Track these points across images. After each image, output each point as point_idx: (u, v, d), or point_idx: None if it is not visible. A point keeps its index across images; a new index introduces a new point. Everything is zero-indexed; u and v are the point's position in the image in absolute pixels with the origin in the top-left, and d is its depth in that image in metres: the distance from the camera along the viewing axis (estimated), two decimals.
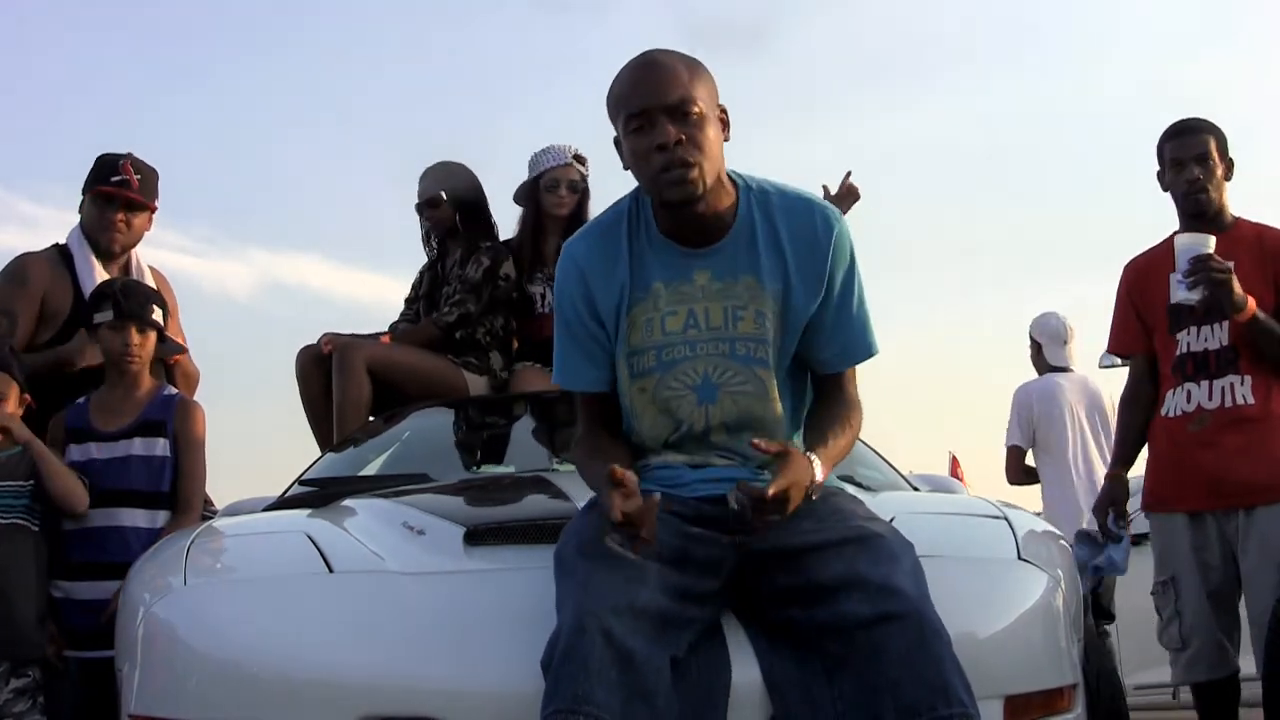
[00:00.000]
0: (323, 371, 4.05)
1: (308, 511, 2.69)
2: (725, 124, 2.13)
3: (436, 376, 4.08)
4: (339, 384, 3.95)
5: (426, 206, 4.39)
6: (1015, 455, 5.43)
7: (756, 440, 1.96)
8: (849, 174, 4.11)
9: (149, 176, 3.73)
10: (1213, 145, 3.27)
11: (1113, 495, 3.45)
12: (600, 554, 1.91)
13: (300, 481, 3.43)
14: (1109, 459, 5.31)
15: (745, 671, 1.91)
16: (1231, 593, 3.23)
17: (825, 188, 4.02)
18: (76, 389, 3.43)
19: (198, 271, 12.72)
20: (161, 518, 3.24)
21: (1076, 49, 13.85)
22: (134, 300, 3.32)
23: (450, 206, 4.33)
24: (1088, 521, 5.15)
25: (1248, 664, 3.18)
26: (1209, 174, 3.26)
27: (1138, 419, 3.41)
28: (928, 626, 1.84)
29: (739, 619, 2.01)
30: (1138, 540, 3.67)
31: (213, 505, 3.55)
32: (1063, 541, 2.58)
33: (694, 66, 2.10)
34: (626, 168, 2.15)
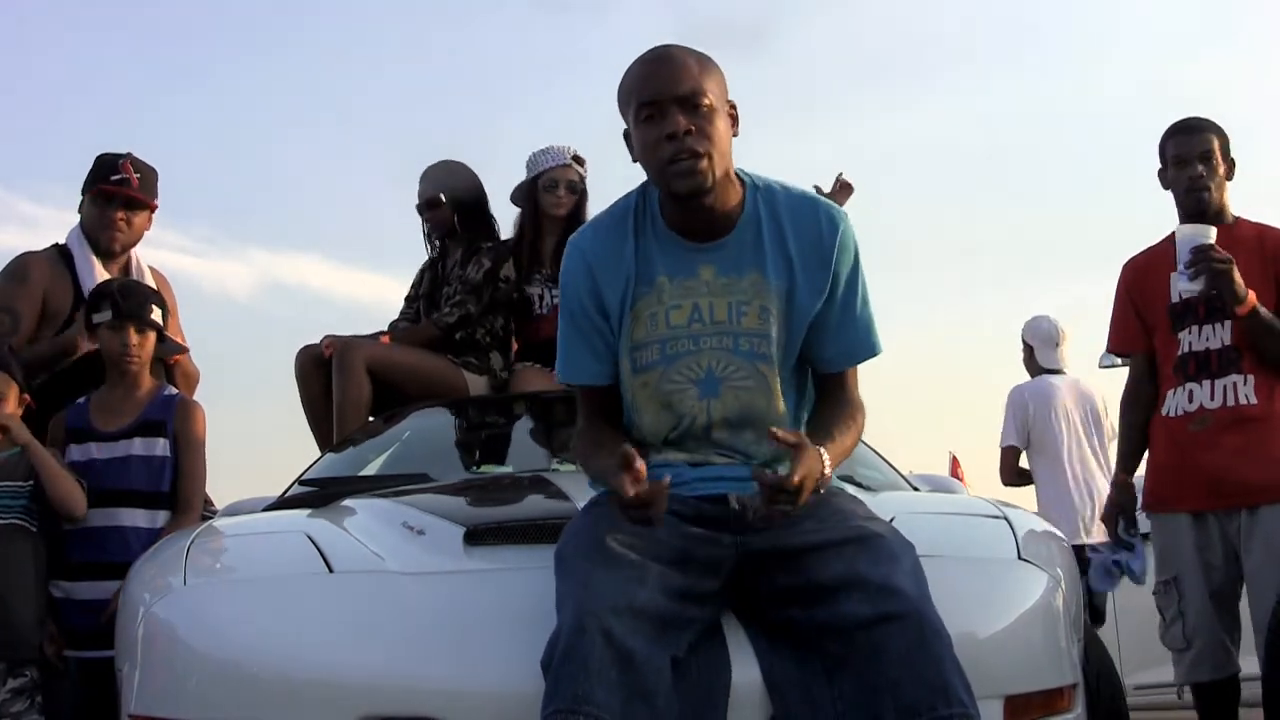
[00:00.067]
0: (323, 371, 4.05)
1: (308, 511, 2.69)
2: (734, 119, 2.15)
3: (436, 377, 4.08)
4: (339, 384, 3.95)
5: (426, 208, 4.39)
6: (1010, 456, 5.44)
7: (775, 429, 1.95)
8: (840, 174, 4.12)
9: (149, 175, 3.73)
10: (1216, 144, 3.27)
11: (1121, 502, 3.43)
12: (600, 554, 1.91)
13: (300, 481, 3.43)
14: (1102, 460, 5.37)
15: (745, 671, 1.91)
16: (1233, 593, 3.22)
17: (818, 187, 4.01)
18: (76, 389, 3.43)
19: (198, 271, 12.72)
20: (161, 518, 3.24)
21: (1076, 49, 13.84)
22: (133, 300, 3.32)
23: (449, 207, 4.33)
24: (1085, 526, 5.17)
25: (1248, 664, 3.18)
26: (1211, 172, 3.26)
27: (1140, 420, 3.40)
28: (928, 626, 1.84)
29: (739, 619, 2.00)
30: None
31: (213, 505, 3.55)
32: (1063, 541, 2.57)
33: (705, 61, 2.13)
34: (635, 160, 2.16)
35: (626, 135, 2.17)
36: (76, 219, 3.75)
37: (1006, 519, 2.41)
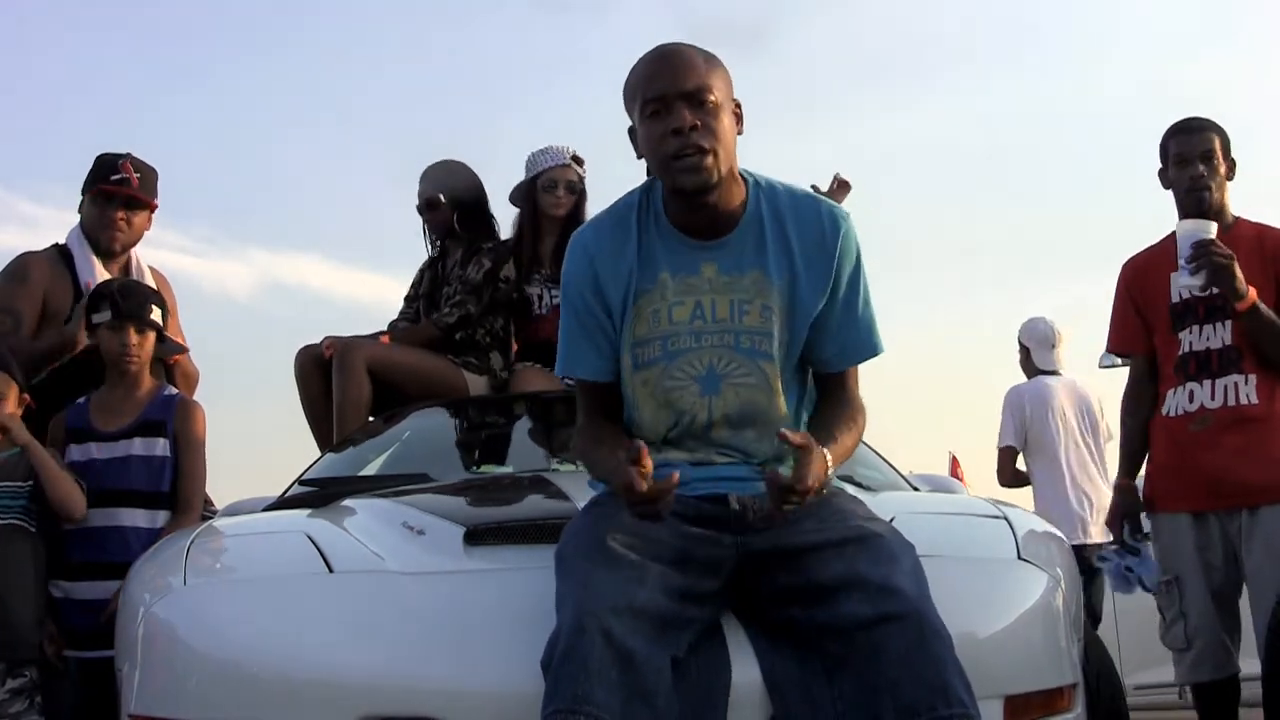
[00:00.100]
0: (322, 371, 4.04)
1: (308, 511, 2.69)
2: (739, 118, 2.16)
3: (436, 377, 4.08)
4: (339, 384, 3.95)
5: (426, 208, 4.39)
6: (1008, 456, 5.45)
7: (784, 430, 1.96)
8: (838, 173, 4.12)
9: (149, 175, 3.74)
10: (1217, 144, 3.27)
11: (1125, 507, 3.41)
12: (600, 554, 1.91)
13: (300, 481, 3.43)
14: (1099, 461, 5.37)
15: (745, 671, 1.91)
16: (1233, 593, 3.22)
17: (815, 186, 4.01)
18: (76, 389, 3.43)
19: (198, 271, 12.71)
20: (161, 518, 3.24)
21: (1076, 49, 13.83)
22: (132, 300, 3.32)
23: (449, 208, 4.33)
24: (1083, 526, 5.17)
25: (1249, 664, 3.18)
26: (1212, 172, 3.25)
27: (1141, 424, 3.39)
28: (928, 627, 1.84)
29: (739, 619, 2.00)
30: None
31: (213, 505, 3.55)
32: (1063, 541, 2.57)
33: (711, 58, 2.14)
34: (640, 156, 2.17)
35: (631, 131, 2.17)
36: (76, 219, 3.75)
37: (1006, 519, 2.41)
